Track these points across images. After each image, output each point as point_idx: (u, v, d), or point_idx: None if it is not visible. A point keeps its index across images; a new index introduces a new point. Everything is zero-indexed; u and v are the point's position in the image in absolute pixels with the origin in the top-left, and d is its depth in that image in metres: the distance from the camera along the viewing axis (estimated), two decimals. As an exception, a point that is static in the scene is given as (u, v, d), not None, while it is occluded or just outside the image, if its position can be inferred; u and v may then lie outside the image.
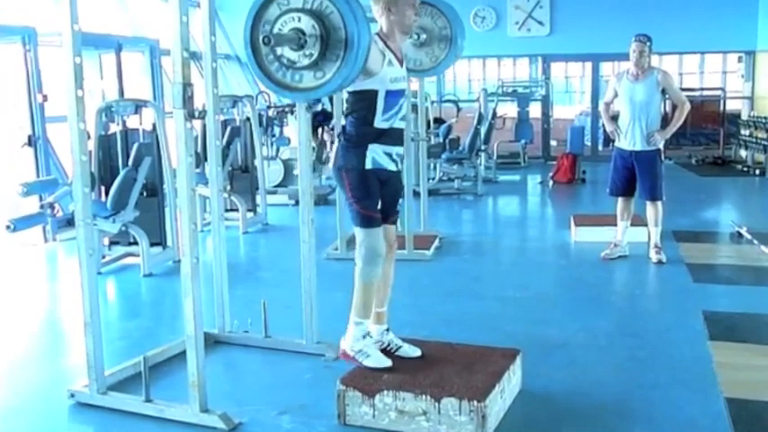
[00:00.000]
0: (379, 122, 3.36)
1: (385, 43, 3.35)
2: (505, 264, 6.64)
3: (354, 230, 3.46)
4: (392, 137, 3.42)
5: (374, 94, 3.31)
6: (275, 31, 2.97)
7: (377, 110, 3.33)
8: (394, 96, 3.37)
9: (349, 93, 3.35)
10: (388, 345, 3.59)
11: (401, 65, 3.44)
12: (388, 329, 3.64)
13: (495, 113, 12.00)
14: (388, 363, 3.42)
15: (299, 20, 2.93)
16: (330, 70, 2.97)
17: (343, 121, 3.46)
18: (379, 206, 3.44)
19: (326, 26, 2.92)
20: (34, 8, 8.02)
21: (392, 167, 3.46)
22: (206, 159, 5.74)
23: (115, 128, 6.41)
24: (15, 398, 3.79)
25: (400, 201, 3.69)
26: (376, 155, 3.38)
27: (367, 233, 3.39)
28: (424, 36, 4.23)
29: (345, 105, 3.41)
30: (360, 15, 2.94)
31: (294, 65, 2.98)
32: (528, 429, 3.27)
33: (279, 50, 2.97)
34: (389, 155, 3.43)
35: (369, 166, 3.37)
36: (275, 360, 4.08)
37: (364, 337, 3.48)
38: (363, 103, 3.34)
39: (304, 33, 2.92)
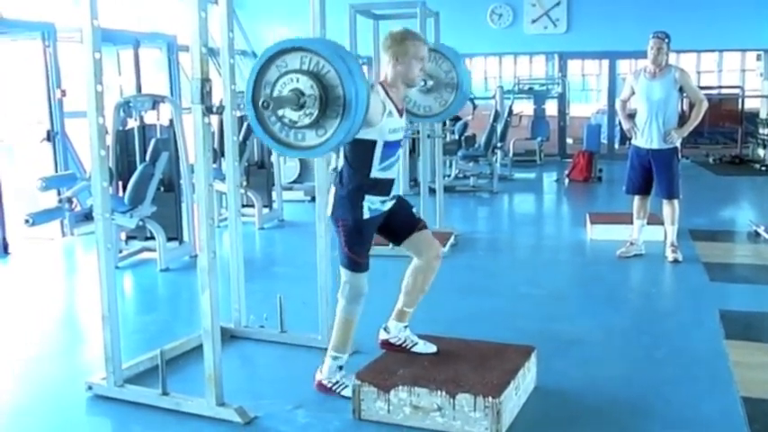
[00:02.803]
0: (376, 172, 3.36)
1: (387, 93, 3.35)
2: (521, 261, 6.63)
3: (340, 270, 3.48)
4: (385, 186, 3.44)
5: (372, 144, 3.31)
6: (276, 92, 3.01)
7: (374, 160, 3.34)
8: (391, 147, 3.39)
9: None
10: (405, 341, 3.61)
11: (401, 116, 3.44)
12: (406, 326, 3.66)
13: (511, 111, 11.98)
14: None
15: (298, 80, 2.97)
16: (331, 127, 3.00)
17: (340, 163, 3.46)
18: (369, 252, 3.47)
19: (324, 85, 2.96)
20: (54, 4, 8.08)
21: (387, 208, 3.47)
22: (223, 155, 5.78)
23: (133, 123, 6.45)
24: (34, 390, 3.83)
25: (414, 209, 3.70)
26: (371, 204, 3.39)
27: (353, 275, 3.43)
28: (431, 82, 4.29)
29: (343, 152, 3.41)
30: (356, 72, 2.97)
31: (296, 124, 3.02)
32: (543, 426, 3.27)
33: (280, 111, 3.01)
34: (383, 201, 3.45)
35: (366, 216, 3.38)
36: (291, 355, 4.10)
37: (340, 368, 3.51)
38: (361, 152, 3.34)
39: (303, 93, 2.96)
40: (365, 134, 3.24)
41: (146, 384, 3.57)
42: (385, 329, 3.67)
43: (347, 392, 3.42)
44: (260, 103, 2.95)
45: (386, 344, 3.65)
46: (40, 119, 7.57)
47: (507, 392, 3.15)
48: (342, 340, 3.50)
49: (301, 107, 2.97)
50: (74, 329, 5.01)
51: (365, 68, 3.28)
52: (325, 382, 3.52)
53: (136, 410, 3.43)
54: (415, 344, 3.60)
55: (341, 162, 3.46)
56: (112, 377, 3.51)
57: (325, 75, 2.96)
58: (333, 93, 2.96)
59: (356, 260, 3.41)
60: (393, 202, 3.50)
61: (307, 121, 2.98)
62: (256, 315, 4.38)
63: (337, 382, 3.49)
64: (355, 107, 2.94)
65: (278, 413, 3.35)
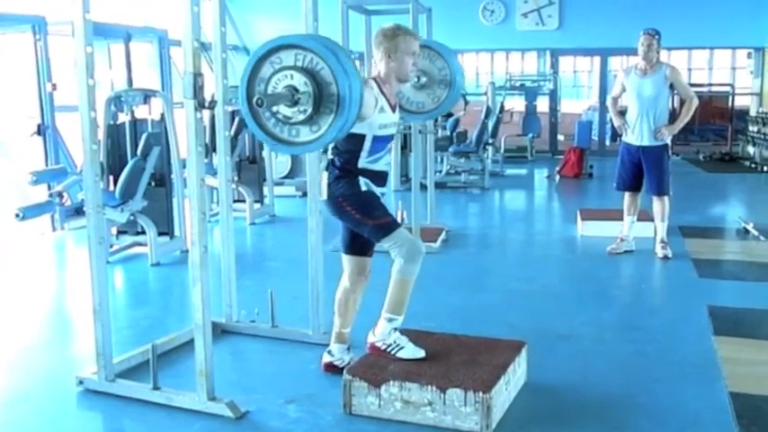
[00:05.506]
0: (363, 163, 3.40)
1: (380, 89, 3.38)
2: (511, 257, 6.65)
3: (383, 245, 3.41)
4: (377, 178, 3.47)
5: (362, 137, 3.35)
6: (270, 88, 3.02)
7: (362, 152, 3.38)
8: (381, 142, 3.42)
9: None
10: (349, 363, 3.62)
11: (393, 111, 3.47)
12: (349, 348, 3.73)
13: (502, 107, 12.03)
14: (421, 353, 3.43)
15: (292, 77, 2.99)
16: (325, 123, 3.02)
17: (330, 154, 3.49)
18: (389, 212, 3.47)
19: (318, 82, 2.97)
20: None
21: (379, 192, 3.50)
22: (214, 150, 5.77)
23: (124, 117, 6.44)
24: (24, 384, 3.82)
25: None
26: (366, 182, 3.42)
27: (394, 236, 3.36)
28: (424, 79, 4.32)
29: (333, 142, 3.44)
30: (350, 69, 2.98)
31: (290, 120, 3.03)
32: (532, 421, 3.29)
33: (274, 107, 3.03)
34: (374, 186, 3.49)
35: (363, 188, 3.41)
36: (282, 350, 4.11)
37: (395, 330, 3.47)
38: (350, 144, 3.37)
39: (297, 90, 2.98)
40: (355, 128, 3.25)
41: (137, 379, 3.57)
42: (329, 353, 3.72)
43: (403, 353, 3.41)
44: (254, 100, 2.96)
45: (329, 366, 3.71)
46: (31, 113, 7.54)
47: (497, 387, 3.16)
48: (398, 302, 3.42)
49: (295, 104, 2.98)
50: (64, 324, 5.00)
51: (357, 64, 3.28)
52: (378, 344, 3.47)
53: (127, 405, 3.42)
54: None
55: (331, 150, 3.48)
56: (103, 372, 3.50)
57: (319, 71, 2.98)
58: (327, 89, 2.98)
59: (384, 222, 3.39)
60: (383, 191, 3.52)
61: (301, 117, 3.00)
62: (247, 310, 4.38)
63: (392, 344, 3.44)
64: (349, 104, 2.96)
65: (269, 408, 3.36)
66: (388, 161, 3.55)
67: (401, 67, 3.39)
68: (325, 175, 3.48)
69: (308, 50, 2.99)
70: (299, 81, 2.97)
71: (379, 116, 3.34)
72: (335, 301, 3.71)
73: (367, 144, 3.36)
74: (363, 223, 3.40)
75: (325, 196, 3.47)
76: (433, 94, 4.36)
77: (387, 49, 3.38)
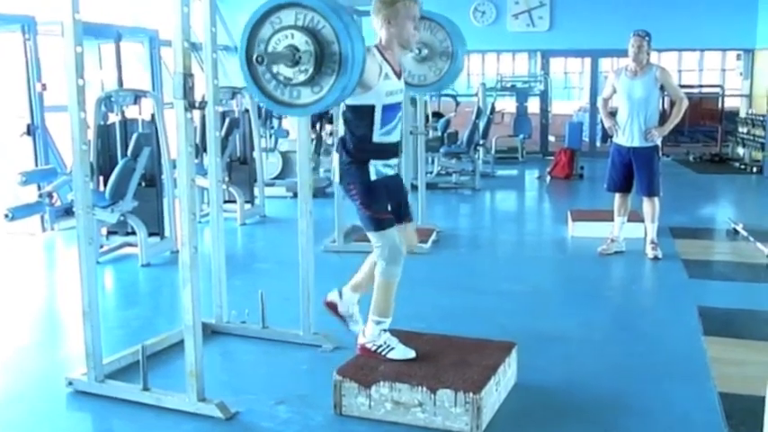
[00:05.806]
0: (378, 137, 3.39)
1: (383, 56, 3.36)
2: (502, 258, 6.65)
3: (369, 236, 3.46)
4: (389, 151, 3.49)
5: (371, 109, 3.33)
6: (270, 49, 2.98)
7: (374, 125, 3.36)
8: (391, 110, 3.40)
9: (347, 107, 3.37)
10: (351, 315, 3.78)
11: (398, 78, 3.45)
12: (359, 302, 3.79)
13: (493, 108, 12.02)
14: (412, 354, 3.44)
15: (293, 36, 2.95)
16: (327, 84, 2.98)
17: (341, 132, 3.48)
18: (388, 208, 3.50)
19: (320, 41, 2.94)
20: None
21: (391, 173, 3.54)
22: (205, 150, 5.76)
23: (114, 118, 6.42)
24: (14, 385, 3.81)
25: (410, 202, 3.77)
26: (377, 167, 3.42)
27: (382, 235, 3.40)
28: (425, 51, 4.29)
29: (343, 119, 3.43)
30: (352, 27, 2.95)
31: (291, 81, 3.00)
32: (523, 422, 3.29)
33: (275, 68, 2.99)
34: (388, 166, 3.50)
35: (374, 177, 3.42)
36: (272, 350, 4.10)
37: (385, 331, 3.49)
38: (361, 119, 3.36)
39: (298, 50, 2.94)
40: (363, 99, 3.26)
41: (127, 380, 3.56)
42: (339, 294, 3.79)
43: (393, 354, 3.42)
44: (254, 57, 2.93)
45: (331, 305, 3.82)
46: (20, 113, 7.50)
47: (488, 388, 3.17)
48: (384, 305, 3.46)
49: (296, 63, 2.95)
50: (54, 325, 4.98)
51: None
52: (368, 345, 3.49)
53: (116, 406, 3.42)
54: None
55: (342, 128, 3.48)
56: (93, 373, 3.49)
57: (320, 30, 2.94)
58: (328, 49, 2.94)
59: (378, 217, 3.41)
60: (396, 166, 3.55)
61: (302, 78, 2.97)
62: (238, 311, 4.37)
63: (382, 345, 3.46)
64: (351, 63, 2.93)
65: (259, 409, 3.35)
66: (401, 129, 3.55)
67: (402, 33, 3.36)
68: (336, 157, 3.49)
69: (308, 9, 2.94)
70: (300, 40, 2.93)
71: (385, 83, 3.33)
72: (366, 261, 3.71)
73: (377, 116, 3.34)
74: (362, 210, 3.44)
75: (337, 180, 3.52)
76: (434, 67, 4.33)
77: (386, 15, 3.35)
